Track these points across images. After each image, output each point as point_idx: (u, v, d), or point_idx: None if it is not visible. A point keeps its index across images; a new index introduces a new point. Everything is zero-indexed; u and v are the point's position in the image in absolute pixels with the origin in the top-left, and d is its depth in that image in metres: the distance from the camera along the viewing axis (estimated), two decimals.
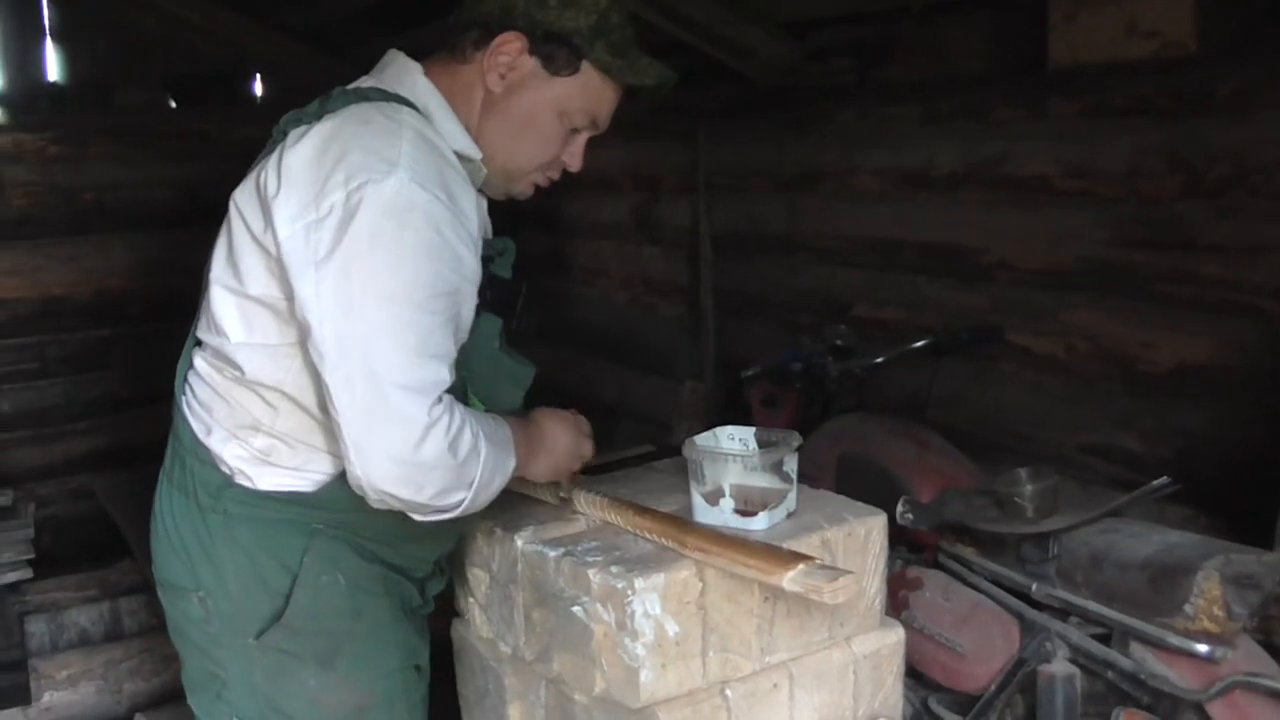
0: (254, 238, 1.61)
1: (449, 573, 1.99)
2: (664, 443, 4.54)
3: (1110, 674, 2.10)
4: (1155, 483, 2.15)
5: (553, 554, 1.73)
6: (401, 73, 1.73)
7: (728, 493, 1.79)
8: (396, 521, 1.63)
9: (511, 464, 1.65)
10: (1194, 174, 3.03)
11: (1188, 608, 1.96)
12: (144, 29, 5.91)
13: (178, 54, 6.00)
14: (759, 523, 1.77)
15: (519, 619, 1.84)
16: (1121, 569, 2.08)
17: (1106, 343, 3.31)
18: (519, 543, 1.81)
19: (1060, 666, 2.15)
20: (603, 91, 1.75)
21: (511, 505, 1.92)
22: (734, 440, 1.91)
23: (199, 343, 1.76)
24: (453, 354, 1.58)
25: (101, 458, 5.12)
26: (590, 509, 1.88)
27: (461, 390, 1.64)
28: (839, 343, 3.20)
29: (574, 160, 1.82)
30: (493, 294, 1.70)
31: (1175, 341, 3.13)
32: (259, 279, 1.62)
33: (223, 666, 1.78)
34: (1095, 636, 2.14)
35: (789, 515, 1.83)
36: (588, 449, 1.88)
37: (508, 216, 1.91)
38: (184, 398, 1.78)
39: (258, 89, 6.12)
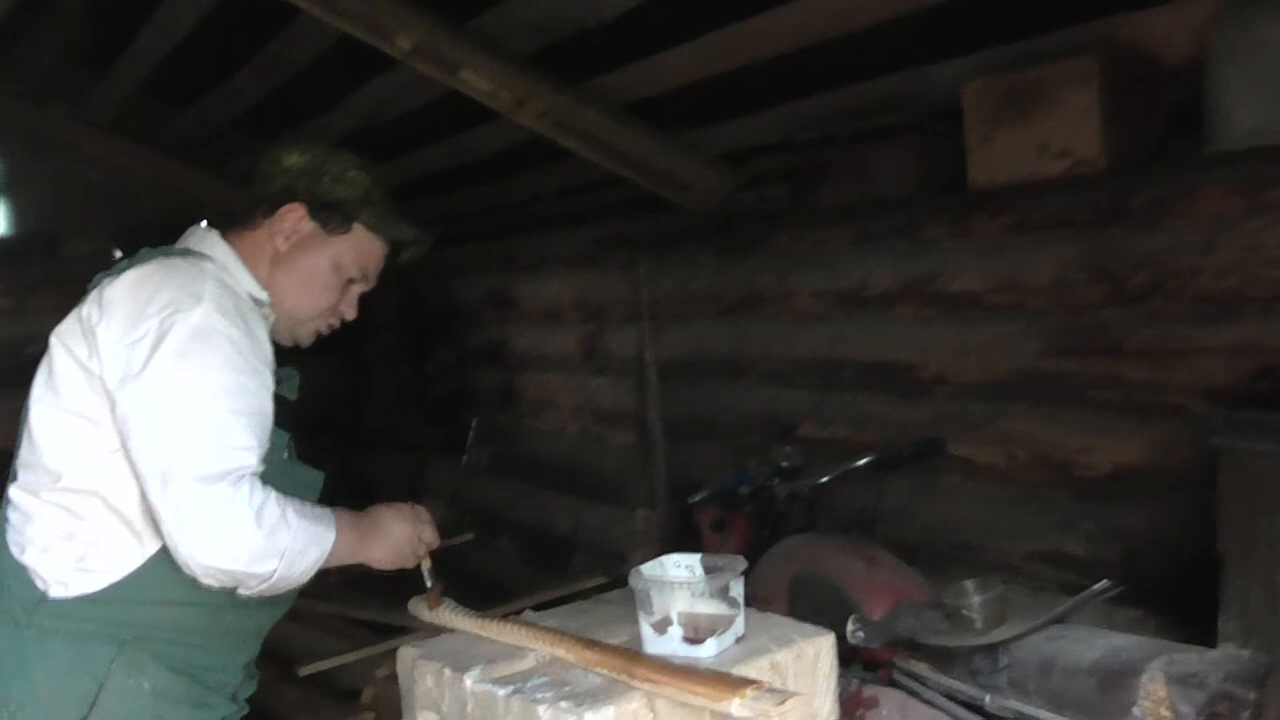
0: (76, 361, 1.87)
1: (259, 675, 2.15)
2: (617, 573, 4.55)
3: None
4: (1096, 586, 2.19)
5: (502, 692, 1.73)
6: (202, 237, 2.05)
7: (675, 620, 1.80)
8: (203, 616, 1.91)
9: (331, 537, 1.84)
10: (1115, 283, 3.14)
11: (1135, 710, 1.97)
12: (90, 180, 5.99)
13: (123, 203, 6.07)
14: (707, 650, 1.78)
15: None
16: (1070, 675, 2.10)
17: (1045, 450, 3.38)
18: (468, 682, 1.80)
19: None
20: (372, 248, 2.10)
21: (461, 646, 1.92)
22: (680, 568, 1.93)
23: (14, 477, 1.96)
24: (256, 448, 1.80)
25: None
26: (463, 623, 2.00)
27: None
28: (785, 464, 3.22)
29: (350, 309, 2.14)
30: (279, 412, 1.94)
31: (1110, 445, 3.21)
32: (77, 394, 1.86)
33: None
34: None
35: (738, 640, 1.84)
36: (429, 534, 2.06)
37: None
38: (5, 528, 1.96)
39: None
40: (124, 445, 1.82)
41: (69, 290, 5.52)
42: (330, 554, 1.85)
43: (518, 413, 6.07)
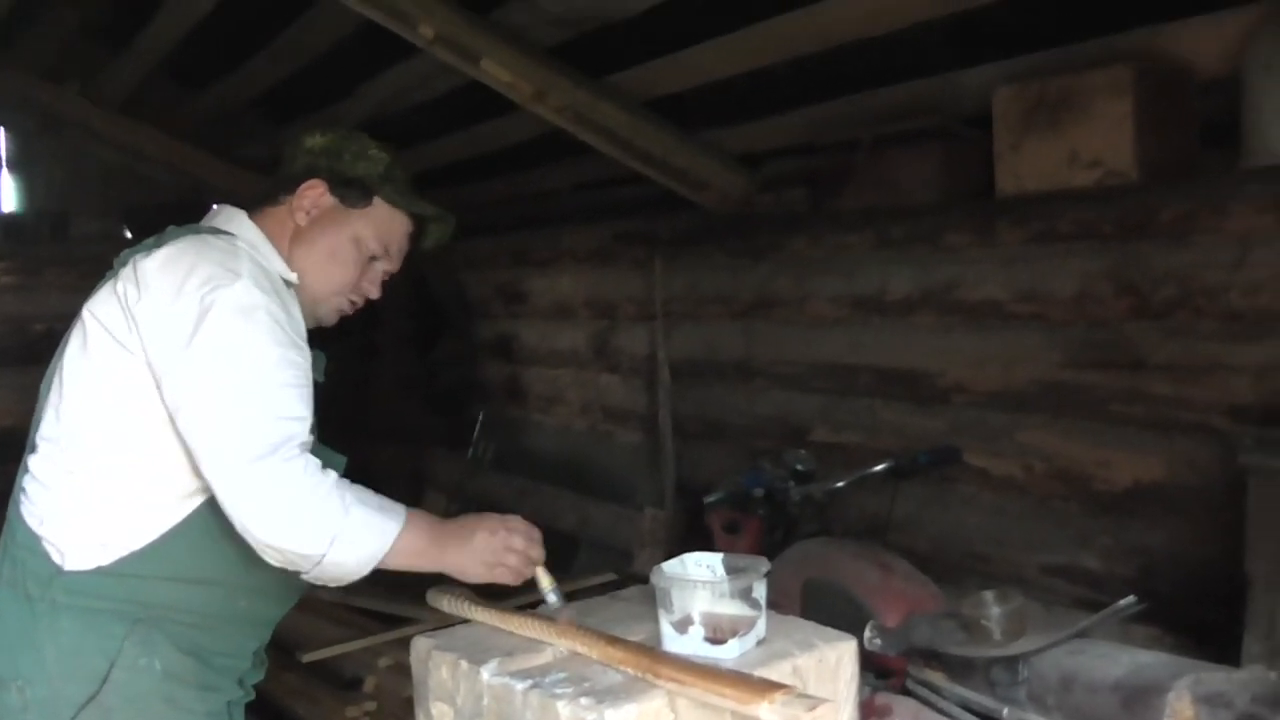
0: (110, 334, 1.86)
1: (267, 662, 2.15)
2: (625, 571, 4.51)
3: None
4: (1121, 603, 2.16)
5: (520, 686, 1.69)
6: (229, 216, 2.05)
7: (697, 620, 1.76)
8: (216, 599, 1.93)
9: (394, 530, 1.80)
10: (1141, 296, 3.11)
11: None
12: (101, 160, 5.96)
13: (134, 184, 6.05)
14: (730, 651, 1.74)
15: None
16: (1092, 691, 2.07)
17: (1063, 463, 3.34)
18: (485, 675, 1.76)
19: None
20: (392, 224, 2.09)
21: (477, 638, 1.88)
22: (702, 567, 1.89)
23: (34, 449, 1.95)
24: (306, 418, 1.81)
25: None
26: (480, 615, 1.90)
27: None
28: (799, 467, 3.20)
29: (373, 288, 2.12)
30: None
31: (1130, 460, 3.17)
32: (109, 367, 1.86)
33: None
34: None
35: (759, 642, 1.80)
36: (519, 543, 1.96)
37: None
38: (20, 500, 1.95)
39: None
40: (173, 420, 1.81)
41: (78, 269, 5.54)
42: (393, 550, 1.80)
43: (525, 407, 6.04)
